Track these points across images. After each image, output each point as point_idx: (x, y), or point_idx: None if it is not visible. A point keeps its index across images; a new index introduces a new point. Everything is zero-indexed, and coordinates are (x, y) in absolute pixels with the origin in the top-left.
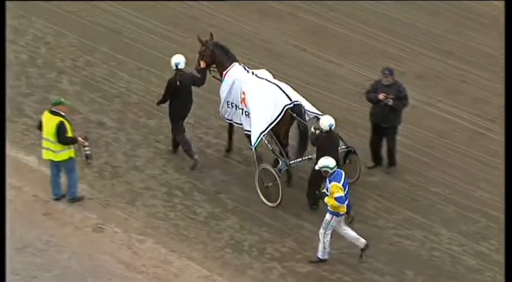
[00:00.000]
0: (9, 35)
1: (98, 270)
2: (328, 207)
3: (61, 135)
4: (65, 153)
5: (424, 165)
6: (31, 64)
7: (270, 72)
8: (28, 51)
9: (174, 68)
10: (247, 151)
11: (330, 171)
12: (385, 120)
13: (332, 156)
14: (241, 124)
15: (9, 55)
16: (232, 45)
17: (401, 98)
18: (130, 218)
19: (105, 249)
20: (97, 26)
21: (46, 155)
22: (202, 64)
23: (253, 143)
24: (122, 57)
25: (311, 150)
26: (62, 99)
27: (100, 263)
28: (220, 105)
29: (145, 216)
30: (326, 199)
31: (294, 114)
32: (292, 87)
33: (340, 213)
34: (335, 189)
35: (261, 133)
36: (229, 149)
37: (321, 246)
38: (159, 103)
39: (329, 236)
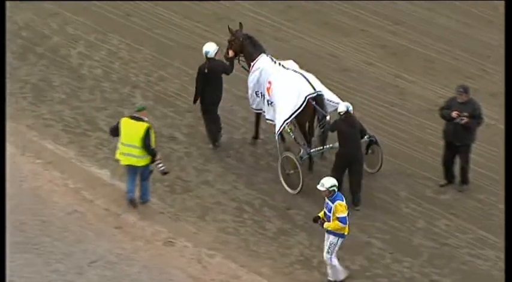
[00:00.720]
0: (84, 50)
1: None
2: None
3: (147, 142)
4: (148, 158)
5: (498, 184)
6: (105, 79)
7: (335, 86)
8: (103, 66)
9: (204, 56)
10: (320, 167)
11: (336, 189)
12: (458, 138)
13: (354, 141)
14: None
15: (84, 70)
16: (302, 59)
17: (475, 116)
18: (200, 232)
19: (175, 263)
20: (170, 41)
21: (126, 160)
22: (231, 53)
23: (276, 131)
24: (194, 73)
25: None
26: (144, 105)
27: (170, 277)
28: (249, 96)
29: (215, 231)
30: (326, 225)
31: (314, 102)
32: (359, 101)
33: (345, 234)
34: (340, 208)
35: (284, 121)
36: (256, 137)
37: (330, 271)
38: (195, 99)
39: (336, 258)
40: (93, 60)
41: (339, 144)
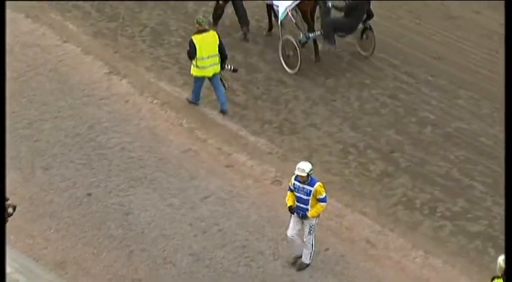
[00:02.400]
0: None
1: (276, 220)
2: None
3: (223, 46)
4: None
5: None
6: (220, 24)
7: (441, 33)
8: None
9: None
10: (423, 112)
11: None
12: None
13: (358, 15)
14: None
15: (200, 15)
16: (408, 7)
17: None
18: None
19: (283, 201)
20: None
21: (211, 71)
22: None
23: (279, 16)
24: None
25: None
26: (203, 18)
27: (277, 214)
28: None
29: (320, 172)
30: (312, 214)
31: None
32: (464, 49)
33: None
34: (321, 188)
35: (286, 8)
36: (270, 29)
37: (309, 252)
38: None
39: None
40: (208, 6)
41: (345, 14)
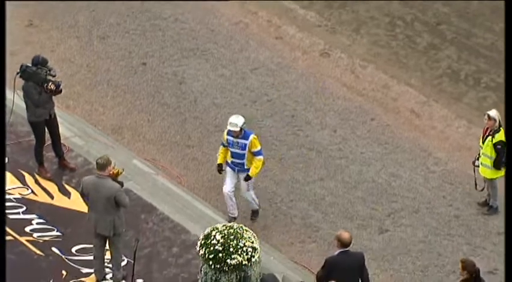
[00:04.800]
0: None
1: (323, 91)
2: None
3: None
4: None
5: None
6: None
7: None
8: None
9: None
10: None
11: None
12: None
13: None
14: None
15: None
16: None
17: None
18: (354, 44)
19: (330, 73)
20: None
21: None
22: None
23: None
24: None
25: None
26: None
27: (325, 85)
28: None
29: (368, 44)
30: (253, 174)
31: None
32: None
33: None
34: (256, 141)
35: None
36: None
37: (255, 201)
38: None
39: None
40: None
41: None
